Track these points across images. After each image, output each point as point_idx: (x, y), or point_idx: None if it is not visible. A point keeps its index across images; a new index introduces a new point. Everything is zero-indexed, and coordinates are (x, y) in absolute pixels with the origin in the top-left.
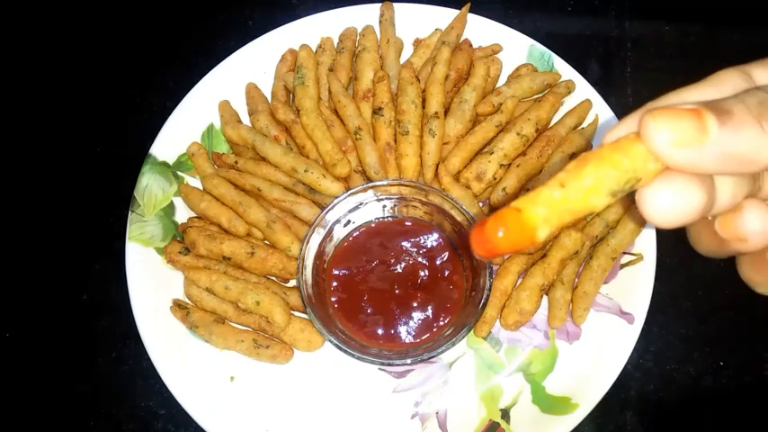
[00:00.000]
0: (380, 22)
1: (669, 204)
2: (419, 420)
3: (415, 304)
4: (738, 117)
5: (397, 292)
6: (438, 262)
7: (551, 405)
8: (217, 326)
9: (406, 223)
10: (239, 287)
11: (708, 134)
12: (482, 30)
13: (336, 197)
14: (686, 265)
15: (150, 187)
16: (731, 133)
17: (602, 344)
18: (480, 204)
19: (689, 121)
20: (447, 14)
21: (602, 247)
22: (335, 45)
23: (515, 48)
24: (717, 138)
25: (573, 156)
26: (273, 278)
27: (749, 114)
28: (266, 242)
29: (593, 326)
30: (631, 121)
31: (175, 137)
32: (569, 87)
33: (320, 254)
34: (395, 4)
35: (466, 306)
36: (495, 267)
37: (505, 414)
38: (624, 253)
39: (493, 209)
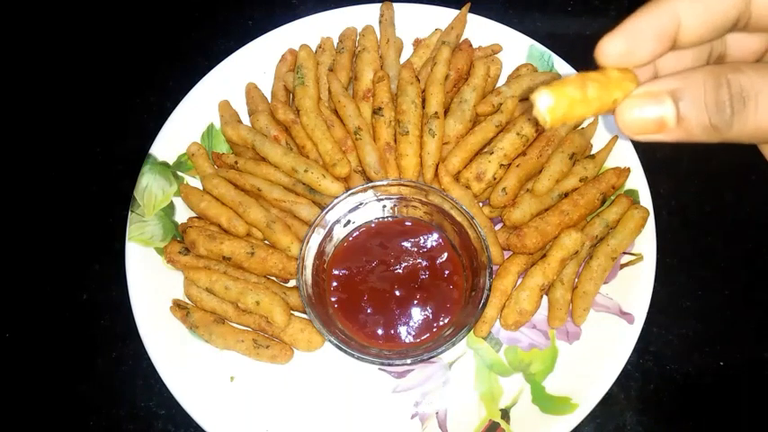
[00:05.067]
0: (380, 22)
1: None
2: (419, 420)
3: (414, 304)
4: (693, 118)
5: (396, 292)
6: (438, 262)
7: (551, 405)
8: (217, 326)
9: (406, 223)
10: (239, 287)
11: (665, 130)
12: (482, 30)
13: (336, 197)
14: (686, 265)
15: (150, 187)
16: (684, 132)
17: (602, 344)
18: (480, 204)
19: (652, 121)
20: (447, 14)
21: (602, 247)
22: (335, 45)
23: (515, 48)
24: (673, 132)
25: (573, 156)
26: (273, 278)
27: (704, 115)
28: (266, 242)
29: (593, 326)
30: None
31: (175, 137)
32: None
33: (320, 254)
34: (395, 4)
35: (466, 306)
36: (495, 267)
37: (505, 414)
38: (624, 253)
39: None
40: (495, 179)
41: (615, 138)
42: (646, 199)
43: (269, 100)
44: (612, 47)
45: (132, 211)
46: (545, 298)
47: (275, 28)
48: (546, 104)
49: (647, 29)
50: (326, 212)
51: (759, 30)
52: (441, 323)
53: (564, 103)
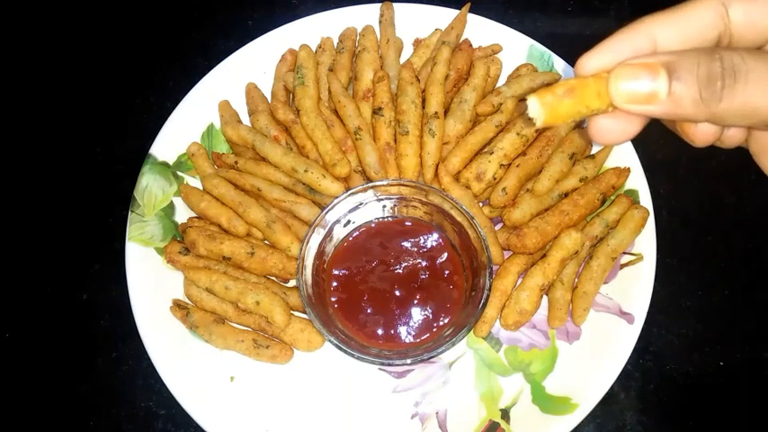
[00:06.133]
0: (380, 22)
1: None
2: (419, 420)
3: (414, 304)
4: (684, 91)
5: (396, 292)
6: (438, 262)
7: (551, 405)
8: (217, 326)
9: (406, 223)
10: (239, 287)
11: (656, 101)
12: (482, 30)
13: (336, 197)
14: (686, 265)
15: (150, 187)
16: (674, 104)
17: (602, 344)
18: (480, 204)
19: (644, 92)
20: (447, 14)
21: (602, 247)
22: (335, 45)
23: (515, 48)
24: (662, 104)
25: (573, 156)
26: (273, 278)
27: (695, 87)
28: (266, 242)
29: (593, 326)
30: (602, 56)
31: (175, 137)
32: None
33: (320, 254)
34: (395, 4)
35: (466, 306)
36: (495, 267)
37: (505, 414)
38: (624, 253)
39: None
40: (495, 179)
41: None
42: (646, 199)
43: (269, 100)
44: (590, 64)
45: (132, 211)
46: (545, 298)
47: (275, 28)
48: (535, 106)
49: (623, 49)
50: (326, 212)
51: (743, 47)
52: (441, 323)
53: (551, 100)
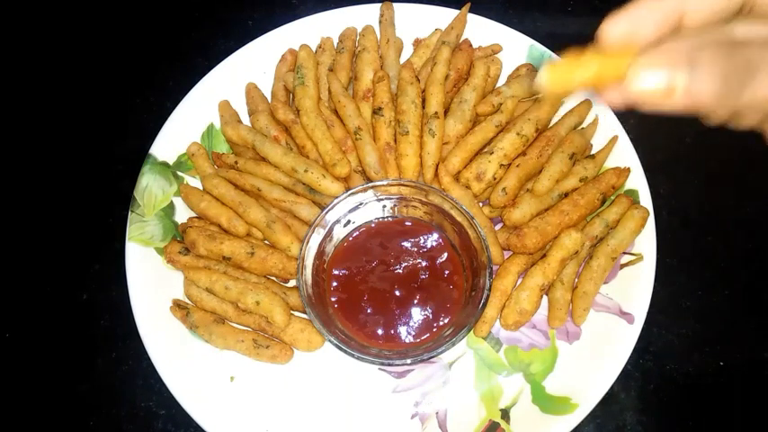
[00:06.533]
0: (380, 22)
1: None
2: (419, 420)
3: (414, 304)
4: (703, 87)
5: (396, 292)
6: (438, 262)
7: (551, 405)
8: (217, 326)
9: (406, 223)
10: (239, 287)
11: (675, 97)
12: (482, 30)
13: (336, 197)
14: (686, 265)
15: (150, 187)
16: (693, 100)
17: (602, 344)
18: (480, 204)
19: (663, 88)
20: (447, 14)
21: (602, 247)
22: (335, 45)
23: (515, 48)
24: (682, 100)
25: (573, 156)
26: (273, 278)
27: (714, 83)
28: (266, 242)
29: (593, 326)
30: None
31: (175, 137)
32: None
33: (320, 254)
34: (395, 4)
35: (466, 306)
36: (495, 267)
37: (505, 414)
38: (624, 253)
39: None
40: (495, 179)
41: (615, 138)
42: (646, 199)
43: (269, 100)
44: (615, 28)
45: (132, 211)
46: (545, 298)
47: (275, 28)
48: (547, 71)
49: (651, 12)
50: (326, 212)
51: (764, 16)
52: (441, 323)
53: (562, 66)
